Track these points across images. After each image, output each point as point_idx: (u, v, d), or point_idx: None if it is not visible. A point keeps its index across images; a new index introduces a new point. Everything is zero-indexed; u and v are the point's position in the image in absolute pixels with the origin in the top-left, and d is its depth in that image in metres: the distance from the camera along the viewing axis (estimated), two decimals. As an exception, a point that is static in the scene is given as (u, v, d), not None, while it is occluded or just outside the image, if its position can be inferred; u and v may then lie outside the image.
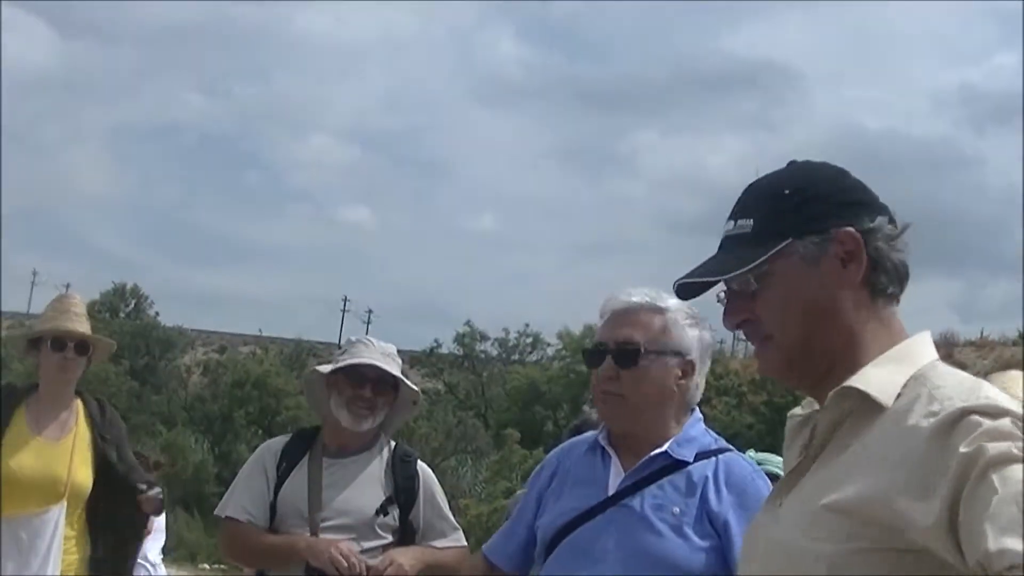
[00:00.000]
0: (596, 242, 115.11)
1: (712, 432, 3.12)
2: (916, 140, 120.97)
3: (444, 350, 49.27)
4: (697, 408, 3.15)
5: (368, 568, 4.00)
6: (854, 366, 1.84)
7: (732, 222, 1.96)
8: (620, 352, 2.99)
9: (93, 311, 49.30)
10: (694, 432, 3.04)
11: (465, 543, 4.40)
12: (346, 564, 3.96)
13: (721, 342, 66.70)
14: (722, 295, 1.96)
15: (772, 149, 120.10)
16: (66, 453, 5.03)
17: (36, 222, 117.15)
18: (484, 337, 49.24)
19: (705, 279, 1.95)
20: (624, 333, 3.01)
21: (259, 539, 4.18)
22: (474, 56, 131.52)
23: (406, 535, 4.23)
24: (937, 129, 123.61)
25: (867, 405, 1.78)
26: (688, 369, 3.03)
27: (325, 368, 4.31)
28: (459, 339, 48.76)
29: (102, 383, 34.79)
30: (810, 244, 1.88)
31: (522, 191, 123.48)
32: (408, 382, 4.34)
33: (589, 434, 3.21)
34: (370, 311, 74.35)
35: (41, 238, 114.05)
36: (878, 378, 1.79)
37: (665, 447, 2.98)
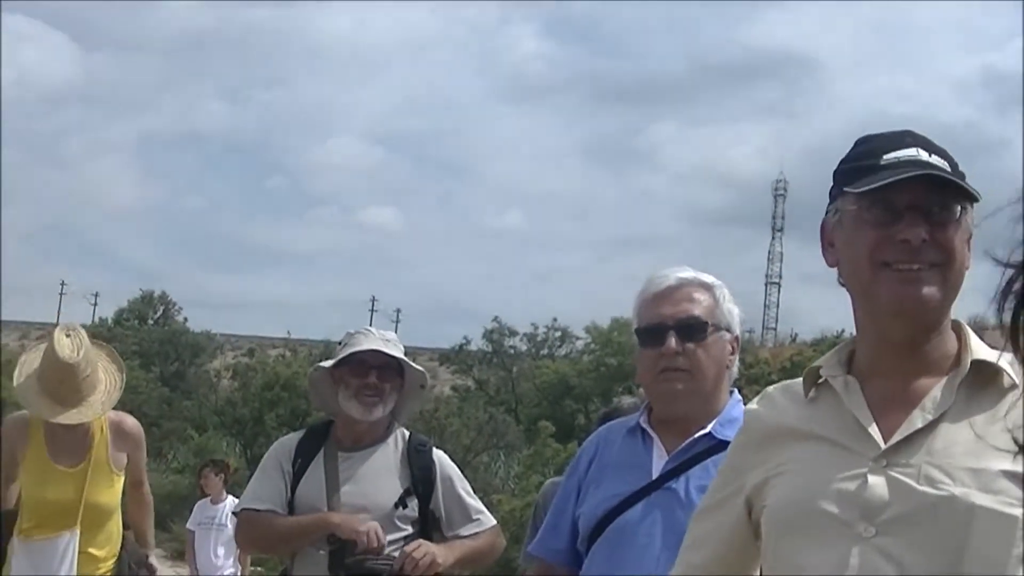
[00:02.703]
0: (621, 236, 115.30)
1: None
2: (941, 126, 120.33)
3: (473, 347, 49.24)
4: (736, 389, 3.12)
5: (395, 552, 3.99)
6: (945, 341, 1.99)
7: (924, 152, 2.00)
8: (684, 327, 2.95)
9: (121, 319, 49.53)
10: (736, 413, 2.97)
11: (493, 522, 4.35)
12: (376, 541, 3.95)
13: (750, 331, 66.76)
14: (907, 203, 1.96)
15: (794, 138, 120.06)
16: (81, 478, 5.02)
17: (64, 234, 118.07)
18: (513, 333, 49.20)
19: (951, 178, 1.97)
20: (684, 308, 2.98)
21: (282, 522, 4.14)
22: (496, 55, 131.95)
23: (426, 525, 4.20)
24: (962, 114, 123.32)
25: (982, 379, 1.92)
26: (735, 346, 3.03)
27: (327, 363, 4.28)
28: (487, 335, 48.73)
29: (132, 391, 34.84)
30: (970, 215, 1.98)
31: (546, 188, 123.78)
32: (413, 364, 4.28)
33: (628, 418, 3.14)
34: (398, 311, 74.58)
35: (69, 249, 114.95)
36: (1000, 358, 1.89)
37: (709, 428, 2.93)
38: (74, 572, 4.97)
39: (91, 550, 5.06)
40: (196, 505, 11.57)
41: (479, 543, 4.27)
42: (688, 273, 3.04)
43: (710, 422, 2.96)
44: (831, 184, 2.09)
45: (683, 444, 2.95)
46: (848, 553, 1.85)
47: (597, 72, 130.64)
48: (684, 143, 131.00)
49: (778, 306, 76.58)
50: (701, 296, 3.01)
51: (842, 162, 2.08)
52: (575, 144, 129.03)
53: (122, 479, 5.17)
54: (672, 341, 2.96)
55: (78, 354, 4.95)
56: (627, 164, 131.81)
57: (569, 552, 3.11)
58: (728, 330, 3.01)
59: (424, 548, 4.02)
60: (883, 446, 1.91)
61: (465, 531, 4.26)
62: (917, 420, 1.92)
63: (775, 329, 70.56)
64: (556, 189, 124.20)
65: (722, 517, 2.18)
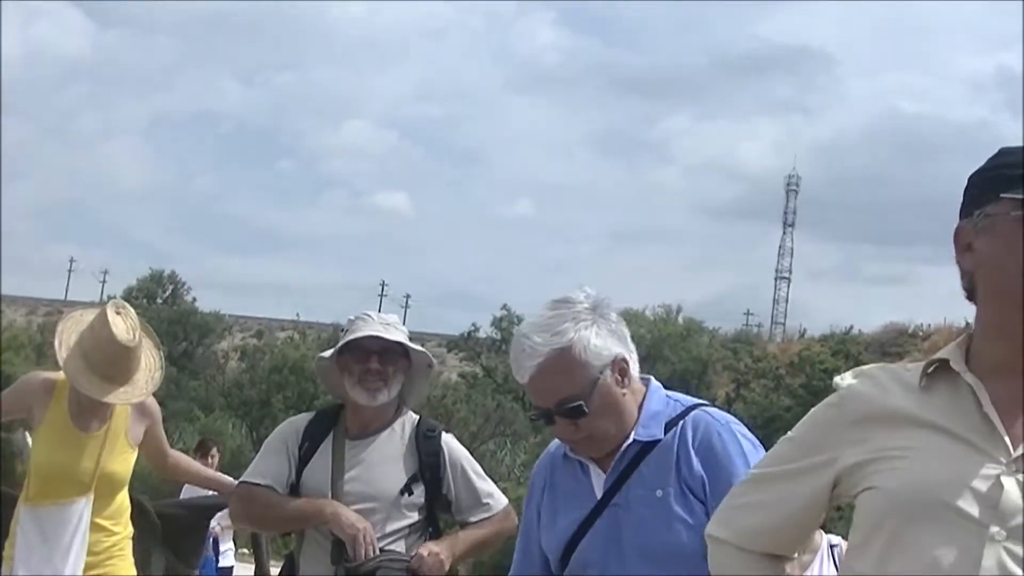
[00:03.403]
0: (631, 228, 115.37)
1: (676, 396, 3.04)
2: (954, 124, 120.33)
3: (482, 334, 49.30)
4: (652, 379, 3.06)
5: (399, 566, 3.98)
6: None
7: None
8: (565, 413, 2.88)
9: (130, 297, 49.56)
10: (655, 406, 2.96)
11: (503, 504, 4.30)
12: (364, 544, 3.93)
13: (759, 326, 66.73)
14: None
15: (807, 134, 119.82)
16: (97, 444, 5.01)
17: (74, 212, 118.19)
18: (521, 320, 49.18)
19: None
20: (556, 395, 2.88)
21: (279, 501, 4.12)
22: (511, 44, 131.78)
23: (434, 512, 4.18)
24: (975, 113, 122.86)
25: None
26: (623, 366, 2.92)
27: (329, 352, 4.25)
28: (496, 323, 48.75)
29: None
30: None
31: (558, 178, 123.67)
32: (415, 346, 4.23)
33: (556, 443, 3.12)
34: (408, 296, 74.62)
35: (79, 228, 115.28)
36: None
37: (632, 437, 2.90)
38: (86, 540, 4.95)
39: (100, 520, 5.04)
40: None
41: (485, 531, 4.24)
42: (539, 350, 2.88)
43: (631, 432, 2.93)
44: (971, 189, 2.11)
45: (615, 459, 2.93)
46: (981, 553, 1.88)
47: (611, 64, 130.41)
48: (697, 136, 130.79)
49: (787, 301, 76.37)
50: (565, 366, 2.87)
51: (986, 170, 2.11)
52: (587, 135, 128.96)
53: (135, 454, 5.16)
54: (562, 425, 2.93)
55: (134, 336, 4.92)
56: (639, 156, 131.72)
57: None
58: (605, 368, 2.90)
59: (432, 555, 4.02)
60: (1014, 452, 1.94)
61: (474, 517, 4.24)
62: None
63: (784, 324, 70.39)
64: (567, 179, 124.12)
65: (796, 488, 2.21)
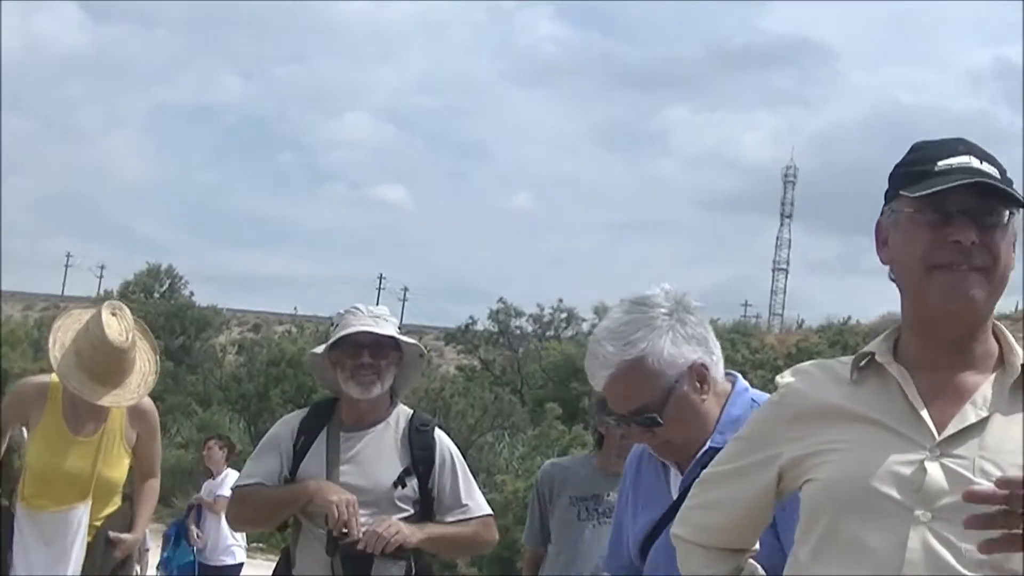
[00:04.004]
0: (631, 220, 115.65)
1: (761, 397, 2.93)
2: (953, 116, 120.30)
3: (479, 327, 49.27)
4: (739, 377, 3.03)
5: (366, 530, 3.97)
6: (988, 340, 2.14)
7: (976, 160, 2.11)
8: (640, 422, 2.86)
9: (127, 292, 49.56)
10: (736, 411, 2.91)
11: (482, 512, 4.31)
12: (343, 516, 3.94)
13: (757, 317, 66.78)
14: (958, 207, 2.08)
15: (806, 126, 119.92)
16: (92, 449, 5.00)
17: (72, 206, 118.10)
18: (519, 313, 49.18)
19: (1001, 185, 2.08)
20: (630, 404, 2.86)
21: (267, 492, 4.16)
22: (512, 36, 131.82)
23: (426, 506, 4.19)
24: (974, 105, 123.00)
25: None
26: (702, 372, 2.88)
27: (320, 349, 4.26)
28: (493, 316, 48.75)
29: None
30: (1017, 221, 2.11)
31: (557, 170, 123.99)
32: (405, 338, 4.25)
33: None
34: (406, 289, 74.58)
35: (77, 221, 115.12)
36: None
37: (709, 443, 2.86)
38: (84, 545, 4.95)
39: (96, 524, 5.05)
40: (204, 484, 11.57)
41: (460, 529, 4.25)
42: (610, 359, 2.84)
43: (709, 438, 2.90)
44: (887, 187, 2.21)
45: (691, 464, 2.89)
46: (907, 536, 1.98)
47: (611, 56, 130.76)
48: (696, 128, 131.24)
49: (785, 292, 76.50)
50: (637, 383, 2.85)
51: (897, 167, 2.20)
52: (587, 127, 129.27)
53: (129, 457, 5.14)
54: (637, 432, 2.92)
55: (127, 338, 4.92)
56: (638, 148, 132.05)
57: (634, 564, 3.09)
58: (682, 377, 2.86)
59: (392, 525, 4.01)
60: (937, 437, 2.04)
61: (450, 518, 4.25)
62: (970, 415, 2.06)
63: (782, 315, 70.45)
64: (567, 172, 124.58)
65: (744, 484, 2.32)
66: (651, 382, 2.84)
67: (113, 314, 4.95)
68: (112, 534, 5.00)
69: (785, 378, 2.32)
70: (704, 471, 2.49)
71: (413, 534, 4.06)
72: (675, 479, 2.97)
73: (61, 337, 4.97)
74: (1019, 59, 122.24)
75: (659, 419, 2.84)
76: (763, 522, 2.36)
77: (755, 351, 41.99)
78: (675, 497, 2.92)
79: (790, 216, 79.10)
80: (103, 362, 4.85)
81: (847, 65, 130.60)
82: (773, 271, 77.74)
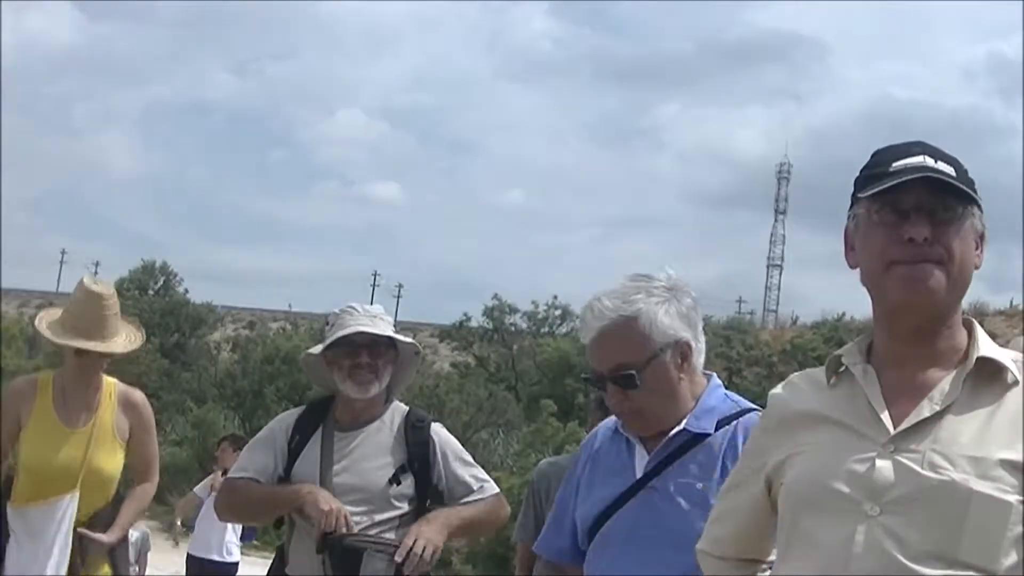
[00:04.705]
0: (624, 216, 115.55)
1: (734, 396, 3.07)
2: (947, 111, 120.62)
3: (474, 324, 49.25)
4: (715, 375, 3.10)
5: (391, 546, 3.97)
6: (955, 335, 2.18)
7: (930, 159, 2.16)
8: (619, 378, 2.92)
9: (122, 288, 49.51)
10: (712, 401, 3.00)
11: (494, 490, 4.32)
12: (330, 527, 3.92)
13: (751, 313, 66.70)
14: (913, 204, 2.13)
15: (799, 121, 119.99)
16: (84, 439, 5.00)
17: (66, 203, 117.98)
18: (513, 310, 49.18)
19: (950, 180, 2.14)
20: (613, 359, 2.93)
21: (259, 488, 4.15)
22: (504, 33, 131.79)
23: (423, 502, 4.18)
24: (967, 100, 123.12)
25: (987, 374, 2.13)
26: (686, 351, 2.97)
27: (316, 349, 4.26)
28: (488, 312, 48.73)
29: (131, 362, 34.82)
30: (978, 217, 2.18)
31: (550, 166, 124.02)
32: (402, 337, 4.24)
33: (613, 419, 3.15)
34: (400, 285, 74.55)
35: (71, 218, 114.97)
36: (1004, 355, 2.14)
37: (683, 424, 2.93)
38: (70, 538, 4.92)
39: (83, 520, 5.02)
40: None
41: (475, 511, 4.26)
42: (606, 313, 2.95)
43: (683, 420, 2.97)
44: (852, 192, 2.27)
45: (661, 443, 2.97)
46: (855, 530, 2.04)
47: (604, 52, 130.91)
48: (689, 124, 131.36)
49: (779, 288, 76.55)
50: (628, 333, 2.93)
51: (860, 172, 2.26)
52: (580, 123, 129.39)
53: (123, 450, 5.13)
54: (613, 391, 2.98)
55: (109, 291, 5.06)
56: (631, 144, 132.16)
57: (573, 549, 3.13)
58: (667, 347, 2.94)
59: (421, 540, 4.00)
60: (892, 432, 2.10)
61: (465, 501, 4.25)
62: (925, 410, 2.11)
63: (776, 311, 70.39)
64: (560, 168, 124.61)
65: (744, 494, 2.40)
66: (638, 343, 2.93)
67: (95, 282, 5.14)
68: (81, 531, 4.96)
69: (776, 389, 2.41)
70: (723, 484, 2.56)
71: (441, 537, 4.06)
72: (640, 458, 3.01)
73: (49, 311, 5.13)
74: (1012, 54, 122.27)
75: (636, 380, 2.91)
76: (769, 530, 2.38)
77: (750, 348, 41.99)
78: (639, 475, 2.97)
79: (784, 212, 79.26)
80: (88, 313, 4.94)
81: (840, 60, 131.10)
82: (767, 267, 77.87)
